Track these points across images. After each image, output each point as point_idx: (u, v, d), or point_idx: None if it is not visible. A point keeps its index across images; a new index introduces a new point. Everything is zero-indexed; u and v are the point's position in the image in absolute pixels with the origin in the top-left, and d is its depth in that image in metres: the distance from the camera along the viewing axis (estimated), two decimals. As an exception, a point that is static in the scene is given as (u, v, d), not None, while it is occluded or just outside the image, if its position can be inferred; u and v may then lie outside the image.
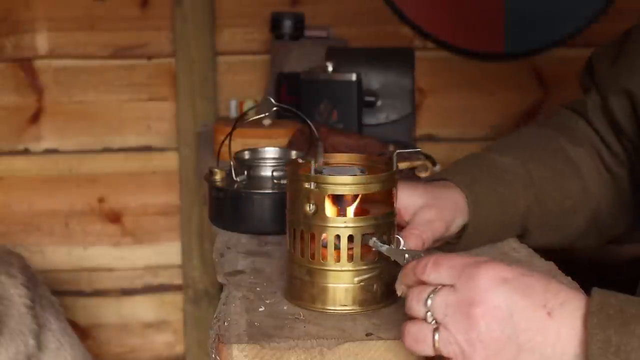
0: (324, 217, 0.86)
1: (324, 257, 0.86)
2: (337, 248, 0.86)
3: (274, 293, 0.92)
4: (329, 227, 0.86)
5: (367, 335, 0.81)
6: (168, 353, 2.18)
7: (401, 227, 0.97)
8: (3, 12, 2.00)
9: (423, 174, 1.35)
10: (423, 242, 0.96)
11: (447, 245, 1.04)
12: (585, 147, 1.16)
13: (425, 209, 0.99)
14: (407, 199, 0.98)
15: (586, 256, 2.10)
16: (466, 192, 1.03)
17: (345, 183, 0.86)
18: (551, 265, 1.02)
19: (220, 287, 0.95)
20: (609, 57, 1.16)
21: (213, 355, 0.81)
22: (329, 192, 0.86)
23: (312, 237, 0.87)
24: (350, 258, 0.86)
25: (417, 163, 1.36)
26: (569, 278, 0.97)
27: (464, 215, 1.03)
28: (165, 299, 2.16)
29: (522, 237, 1.11)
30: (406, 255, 0.83)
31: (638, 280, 1.04)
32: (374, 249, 0.86)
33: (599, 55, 1.20)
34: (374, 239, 0.86)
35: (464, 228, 1.03)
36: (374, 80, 1.70)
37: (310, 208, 0.86)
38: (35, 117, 2.05)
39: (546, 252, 1.07)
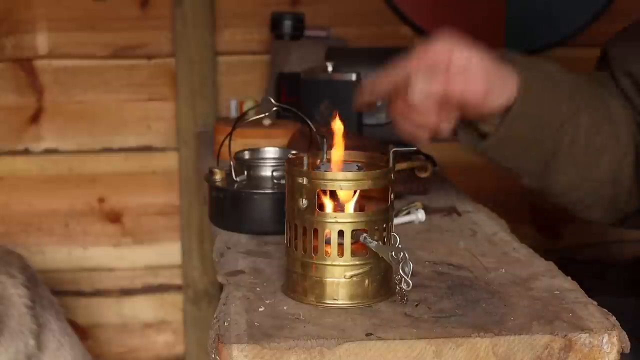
0: (315, 212, 0.87)
1: (315, 251, 0.88)
2: (328, 243, 0.87)
3: (274, 293, 0.92)
4: (320, 222, 0.87)
5: (367, 335, 0.81)
6: (168, 353, 2.18)
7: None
8: (3, 12, 2.00)
9: (423, 174, 1.35)
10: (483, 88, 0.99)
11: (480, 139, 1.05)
12: (619, 101, 1.16)
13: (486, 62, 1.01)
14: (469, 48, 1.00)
15: (586, 256, 2.10)
16: (518, 69, 1.03)
17: (336, 179, 0.86)
18: (551, 265, 1.02)
19: (220, 287, 0.95)
20: (620, 41, 1.19)
21: (213, 356, 0.81)
22: (320, 188, 0.87)
23: (305, 231, 0.88)
24: (341, 253, 0.87)
25: (417, 163, 1.36)
26: (569, 278, 0.97)
27: (512, 90, 1.03)
28: (165, 299, 2.16)
29: (547, 167, 1.09)
30: (392, 253, 0.84)
31: (638, 280, 1.04)
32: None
33: (611, 41, 1.23)
34: (365, 235, 0.87)
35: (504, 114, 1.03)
36: (374, 80, 1.69)
37: (302, 203, 0.87)
38: (35, 117, 2.05)
39: (546, 252, 1.08)
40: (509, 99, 1.02)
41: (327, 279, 0.88)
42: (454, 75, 0.98)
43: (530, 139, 1.06)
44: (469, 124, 1.09)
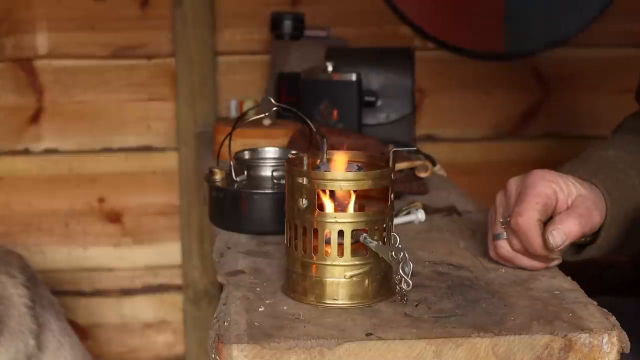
0: (315, 212, 0.87)
1: (316, 251, 0.88)
2: (328, 243, 0.87)
3: (274, 293, 0.92)
4: (320, 222, 0.87)
5: (367, 335, 0.81)
6: (168, 353, 2.18)
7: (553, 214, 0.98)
8: (3, 12, 2.00)
9: (423, 174, 1.35)
10: (582, 228, 0.96)
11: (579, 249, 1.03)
12: None
13: (583, 197, 0.99)
14: (570, 186, 0.99)
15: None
16: (595, 182, 1.02)
17: (336, 179, 0.86)
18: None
19: (220, 287, 0.95)
20: None
21: (213, 356, 0.81)
22: (320, 188, 0.87)
23: (305, 231, 0.88)
24: (341, 253, 0.87)
25: (417, 163, 1.36)
26: (569, 278, 0.97)
27: (603, 208, 1.01)
28: (165, 299, 2.16)
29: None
30: (392, 253, 0.84)
31: (638, 280, 1.04)
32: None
33: None
34: (365, 235, 0.87)
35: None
36: (374, 80, 1.70)
37: (302, 203, 0.87)
38: (35, 117, 2.05)
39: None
40: (603, 218, 1.02)
41: (327, 279, 0.88)
42: (573, 216, 0.97)
43: (623, 234, 1.06)
44: None
